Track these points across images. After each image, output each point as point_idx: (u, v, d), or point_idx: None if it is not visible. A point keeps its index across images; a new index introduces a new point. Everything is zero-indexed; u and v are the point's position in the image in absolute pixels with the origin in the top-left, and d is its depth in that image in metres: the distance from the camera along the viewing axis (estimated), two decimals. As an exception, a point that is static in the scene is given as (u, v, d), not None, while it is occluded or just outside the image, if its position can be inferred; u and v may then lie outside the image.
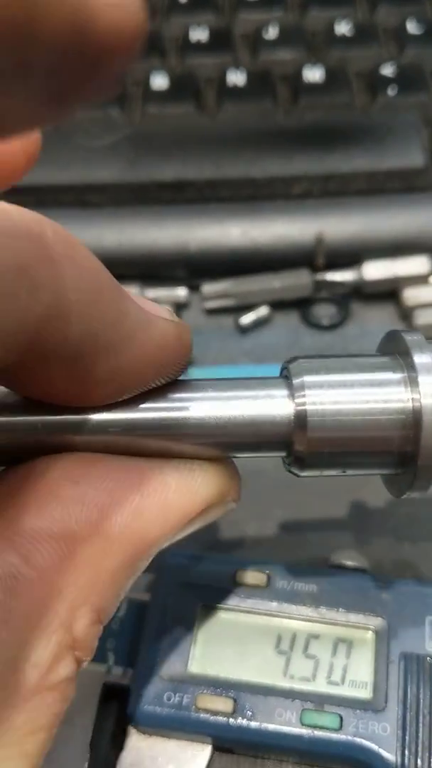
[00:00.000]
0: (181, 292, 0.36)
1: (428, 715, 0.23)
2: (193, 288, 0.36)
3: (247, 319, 0.35)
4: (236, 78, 0.39)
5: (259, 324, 0.35)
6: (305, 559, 0.28)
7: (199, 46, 0.41)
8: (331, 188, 0.35)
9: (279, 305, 0.35)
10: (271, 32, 0.41)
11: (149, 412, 0.19)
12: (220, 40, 0.41)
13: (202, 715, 0.23)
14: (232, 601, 0.25)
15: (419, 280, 0.34)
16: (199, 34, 0.41)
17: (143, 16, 0.17)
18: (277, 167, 0.35)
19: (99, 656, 0.25)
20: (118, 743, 0.25)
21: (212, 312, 0.36)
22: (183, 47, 0.41)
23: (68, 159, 0.36)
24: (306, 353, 0.34)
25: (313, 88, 0.38)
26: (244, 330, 0.35)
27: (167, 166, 0.36)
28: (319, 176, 0.35)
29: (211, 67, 0.40)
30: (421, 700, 0.23)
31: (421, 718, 0.23)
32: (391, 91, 0.37)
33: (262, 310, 0.35)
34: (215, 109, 0.39)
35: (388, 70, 0.38)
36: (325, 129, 0.37)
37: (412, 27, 0.40)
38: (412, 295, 0.34)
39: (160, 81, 0.39)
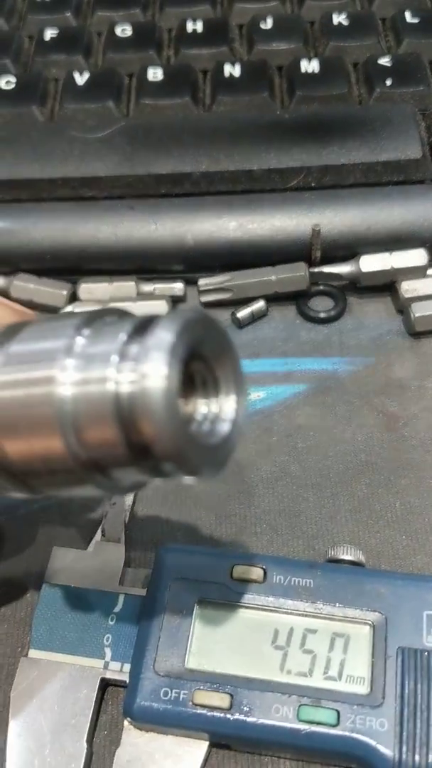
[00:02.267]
0: (177, 285, 0.35)
1: (426, 711, 0.23)
2: (190, 282, 0.35)
3: (243, 312, 0.35)
4: (232, 70, 0.38)
5: (255, 317, 0.35)
6: (302, 553, 0.28)
7: (194, 38, 0.40)
8: (327, 181, 0.35)
9: (275, 299, 0.35)
10: (268, 23, 0.40)
11: None
12: (216, 32, 0.41)
13: (199, 711, 0.23)
14: (229, 597, 0.25)
15: (416, 272, 0.34)
16: (195, 26, 0.41)
17: None
18: (274, 160, 0.35)
19: (96, 652, 0.25)
20: (115, 739, 0.25)
21: (209, 305, 0.35)
22: (178, 39, 0.41)
23: (64, 152, 0.36)
24: (302, 347, 0.34)
25: (310, 79, 0.38)
26: (240, 324, 0.35)
27: (163, 159, 0.36)
28: (316, 169, 0.35)
29: (206, 59, 0.40)
30: (419, 695, 0.23)
31: (419, 713, 0.23)
32: (389, 83, 0.37)
33: (259, 304, 0.35)
34: (211, 102, 0.38)
35: (385, 61, 0.38)
36: (322, 121, 0.36)
37: (410, 17, 0.40)
38: (409, 287, 0.34)
39: (155, 73, 0.39)
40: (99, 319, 0.19)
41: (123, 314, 0.20)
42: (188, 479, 0.19)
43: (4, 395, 0.19)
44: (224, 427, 0.20)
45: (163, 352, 0.17)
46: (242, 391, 0.20)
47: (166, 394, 0.17)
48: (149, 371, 0.17)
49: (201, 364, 0.20)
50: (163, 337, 0.18)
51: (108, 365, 0.18)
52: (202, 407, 0.20)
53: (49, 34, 0.42)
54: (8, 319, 0.22)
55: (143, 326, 0.18)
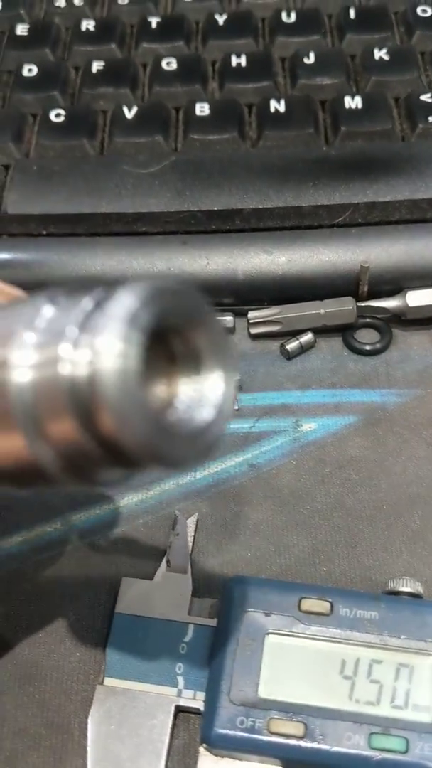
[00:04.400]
0: (227, 318, 0.37)
1: None
2: (240, 314, 0.37)
3: (292, 344, 0.36)
4: (277, 105, 0.40)
5: (303, 349, 0.36)
6: (359, 584, 0.29)
7: (238, 72, 0.41)
8: (374, 217, 0.36)
9: (323, 331, 0.36)
10: (310, 57, 0.41)
11: None
12: (260, 66, 0.42)
13: (275, 739, 0.25)
14: (298, 628, 0.26)
15: (461, 307, 0.35)
16: (239, 60, 0.42)
17: None
18: (322, 197, 0.36)
19: (169, 680, 0.27)
20: (189, 764, 0.26)
21: (258, 338, 0.37)
22: (222, 72, 0.42)
23: (117, 187, 0.37)
24: (350, 378, 0.35)
25: (354, 115, 0.39)
26: (289, 355, 0.36)
27: (214, 195, 0.37)
28: (363, 205, 0.36)
29: (251, 93, 0.41)
30: None
31: None
32: (431, 119, 0.38)
33: (307, 336, 0.36)
34: (257, 137, 0.39)
35: (427, 97, 0.39)
36: (367, 157, 0.37)
37: (448, 52, 0.41)
38: (454, 322, 0.35)
39: (202, 107, 0.40)
40: (82, 287, 0.16)
41: (110, 283, 0.16)
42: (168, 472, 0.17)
43: None
44: (205, 413, 0.17)
45: (121, 322, 0.14)
46: (228, 369, 0.17)
47: (122, 374, 0.14)
48: (102, 347, 0.14)
49: (181, 338, 0.17)
50: (124, 302, 0.14)
51: (63, 341, 0.15)
52: (183, 389, 0.18)
53: (96, 66, 0.43)
54: None
55: (110, 292, 0.15)
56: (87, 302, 0.15)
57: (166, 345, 0.17)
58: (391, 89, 0.40)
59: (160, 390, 0.18)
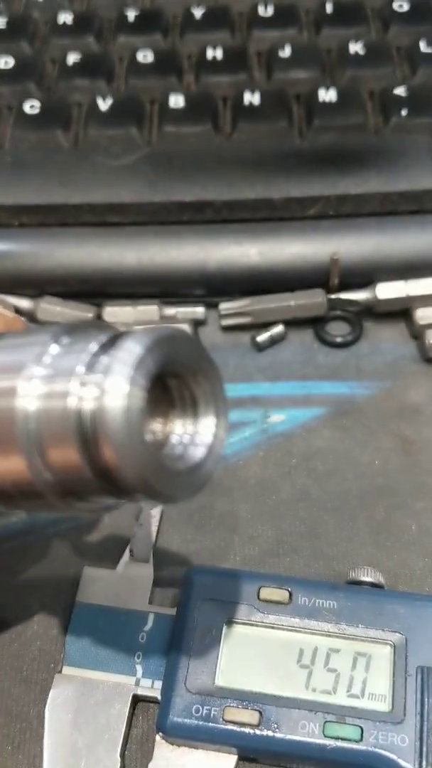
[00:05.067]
0: (199, 309, 0.37)
1: (444, 727, 0.24)
2: (211, 306, 0.37)
3: (262, 336, 0.36)
4: (251, 98, 0.40)
5: (274, 341, 0.36)
6: (322, 574, 0.29)
7: (214, 65, 0.41)
8: (345, 210, 0.36)
9: (294, 323, 0.36)
10: (286, 51, 0.41)
11: None
12: (235, 59, 0.42)
13: (230, 727, 0.25)
14: (256, 617, 0.26)
15: (431, 300, 0.35)
16: (215, 53, 0.42)
17: None
18: (293, 189, 0.36)
19: (128, 669, 0.27)
20: (145, 752, 0.26)
21: (229, 329, 0.37)
22: (198, 65, 0.42)
23: (89, 178, 0.37)
24: (320, 370, 0.35)
25: (327, 108, 0.39)
26: (260, 347, 0.36)
27: (186, 186, 0.37)
28: (334, 198, 0.36)
29: (226, 86, 0.41)
30: (438, 713, 0.24)
31: (437, 730, 0.24)
32: (404, 113, 0.38)
33: (278, 328, 0.36)
34: (231, 129, 0.39)
35: (400, 91, 0.39)
36: (339, 150, 0.37)
37: (424, 47, 0.41)
38: (424, 314, 0.35)
39: (176, 100, 0.40)
40: (82, 329, 0.18)
41: (108, 328, 0.19)
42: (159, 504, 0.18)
43: None
44: (198, 452, 0.19)
45: (128, 366, 0.16)
46: (221, 414, 0.19)
47: (126, 413, 0.16)
48: (110, 387, 0.16)
49: (180, 383, 0.19)
50: (131, 349, 0.16)
51: (72, 378, 0.17)
52: (178, 428, 0.19)
53: (72, 58, 0.43)
54: None
55: (117, 338, 0.17)
56: (94, 346, 0.17)
57: (166, 388, 0.19)
58: (366, 83, 0.40)
59: (157, 428, 0.19)
